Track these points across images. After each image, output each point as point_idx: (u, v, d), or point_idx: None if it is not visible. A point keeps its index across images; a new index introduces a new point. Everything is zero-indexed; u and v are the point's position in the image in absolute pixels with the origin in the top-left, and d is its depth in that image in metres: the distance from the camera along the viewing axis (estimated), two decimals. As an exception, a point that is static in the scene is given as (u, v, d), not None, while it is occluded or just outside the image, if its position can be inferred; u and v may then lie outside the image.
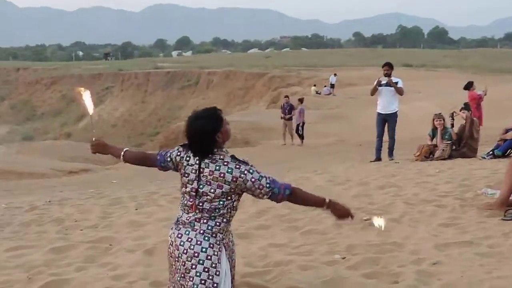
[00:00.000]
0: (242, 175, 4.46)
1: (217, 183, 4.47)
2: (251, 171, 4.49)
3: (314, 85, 53.99)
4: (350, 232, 7.49)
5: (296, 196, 4.59)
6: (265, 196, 4.53)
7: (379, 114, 15.55)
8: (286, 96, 28.69)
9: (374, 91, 15.50)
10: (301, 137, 26.98)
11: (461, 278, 5.40)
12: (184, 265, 4.55)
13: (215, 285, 4.51)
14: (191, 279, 4.51)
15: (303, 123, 27.00)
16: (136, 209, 9.72)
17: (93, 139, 5.03)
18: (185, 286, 4.56)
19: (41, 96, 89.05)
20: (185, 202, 4.65)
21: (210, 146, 4.54)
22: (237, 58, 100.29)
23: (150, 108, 77.25)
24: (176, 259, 4.62)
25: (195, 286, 4.49)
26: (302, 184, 11.36)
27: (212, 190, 4.49)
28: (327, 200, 4.57)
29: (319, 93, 51.61)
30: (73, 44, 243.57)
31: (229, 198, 4.55)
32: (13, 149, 42.65)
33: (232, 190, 4.51)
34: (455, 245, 6.58)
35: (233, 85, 72.03)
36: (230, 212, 4.63)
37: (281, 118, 27.05)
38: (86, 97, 5.11)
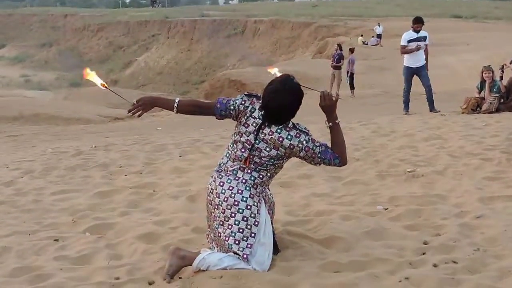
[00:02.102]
0: (299, 145, 4.52)
1: (273, 144, 4.52)
2: (309, 141, 4.54)
3: (361, 35, 53.40)
4: (393, 184, 7.45)
5: (343, 159, 4.68)
6: (316, 165, 4.67)
7: (408, 68, 15.24)
8: (338, 45, 28.21)
9: (408, 52, 15.22)
10: (352, 87, 26.67)
11: (505, 232, 5.32)
12: (223, 213, 4.58)
13: (252, 234, 4.54)
14: (229, 227, 4.55)
15: (352, 74, 26.67)
16: (180, 156, 9.78)
17: (134, 101, 4.75)
18: (222, 234, 4.59)
19: (88, 43, 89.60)
20: (235, 150, 4.66)
21: (288, 119, 4.59)
22: (284, 7, 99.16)
23: (196, 56, 77.20)
24: (216, 206, 4.65)
25: (233, 234, 4.53)
26: (346, 134, 11.21)
27: (267, 149, 4.53)
28: (328, 125, 4.72)
29: (366, 44, 51.00)
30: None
31: (280, 159, 4.60)
32: (60, 94, 43.16)
33: (286, 154, 4.57)
34: (500, 199, 6.47)
35: (279, 34, 71.51)
36: (276, 169, 4.70)
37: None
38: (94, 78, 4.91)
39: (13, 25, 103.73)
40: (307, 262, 4.89)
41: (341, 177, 7.87)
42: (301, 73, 33.88)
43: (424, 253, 5.04)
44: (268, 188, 4.94)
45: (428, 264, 4.77)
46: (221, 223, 4.63)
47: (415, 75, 15.28)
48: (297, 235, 5.49)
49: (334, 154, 4.61)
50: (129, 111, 4.80)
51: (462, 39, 46.14)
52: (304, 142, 4.52)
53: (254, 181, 4.62)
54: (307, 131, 4.59)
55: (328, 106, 4.64)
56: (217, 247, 4.75)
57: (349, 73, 26.62)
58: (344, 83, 26.83)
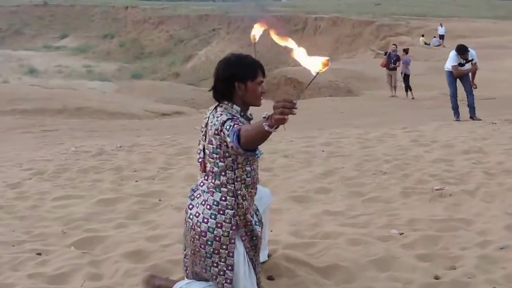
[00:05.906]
0: (220, 127, 3.80)
1: (209, 138, 3.94)
2: (226, 120, 3.81)
3: (422, 36, 52.23)
4: (416, 203, 6.82)
5: (244, 137, 3.60)
6: (231, 147, 3.77)
7: (450, 72, 14.86)
8: (394, 45, 27.29)
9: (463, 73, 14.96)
10: (409, 89, 25.71)
11: (530, 269, 4.71)
12: (193, 242, 4.06)
13: (229, 267, 4.00)
14: (202, 259, 4.04)
15: (408, 75, 25.68)
16: (201, 161, 9.31)
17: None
18: (197, 264, 4.10)
19: (148, 36, 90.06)
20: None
21: (223, 91, 3.99)
22: (346, 4, 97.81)
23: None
24: (187, 231, 4.13)
25: (208, 268, 4.04)
26: (385, 142, 10.68)
27: (207, 146, 3.98)
28: (265, 116, 3.40)
29: (428, 44, 49.87)
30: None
31: (222, 159, 3.94)
32: (110, 88, 43.27)
33: (219, 146, 3.89)
34: (530, 227, 5.79)
35: (340, 32, 70.71)
36: (234, 184, 4.00)
37: (382, 65, 25.93)
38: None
39: (75, 16, 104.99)
40: (300, 295, 4.39)
41: (362, 193, 7.26)
42: (359, 72, 33.23)
43: (432, 291, 4.47)
44: (255, 213, 4.34)
45: (434, 305, 4.21)
46: (192, 252, 4.12)
47: (458, 79, 15.04)
48: (295, 261, 5.00)
49: (236, 130, 3.66)
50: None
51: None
52: (221, 120, 3.81)
53: (218, 205, 3.99)
54: (232, 116, 3.89)
55: (280, 111, 3.30)
56: (191, 272, 4.24)
57: (403, 74, 25.67)
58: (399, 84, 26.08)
